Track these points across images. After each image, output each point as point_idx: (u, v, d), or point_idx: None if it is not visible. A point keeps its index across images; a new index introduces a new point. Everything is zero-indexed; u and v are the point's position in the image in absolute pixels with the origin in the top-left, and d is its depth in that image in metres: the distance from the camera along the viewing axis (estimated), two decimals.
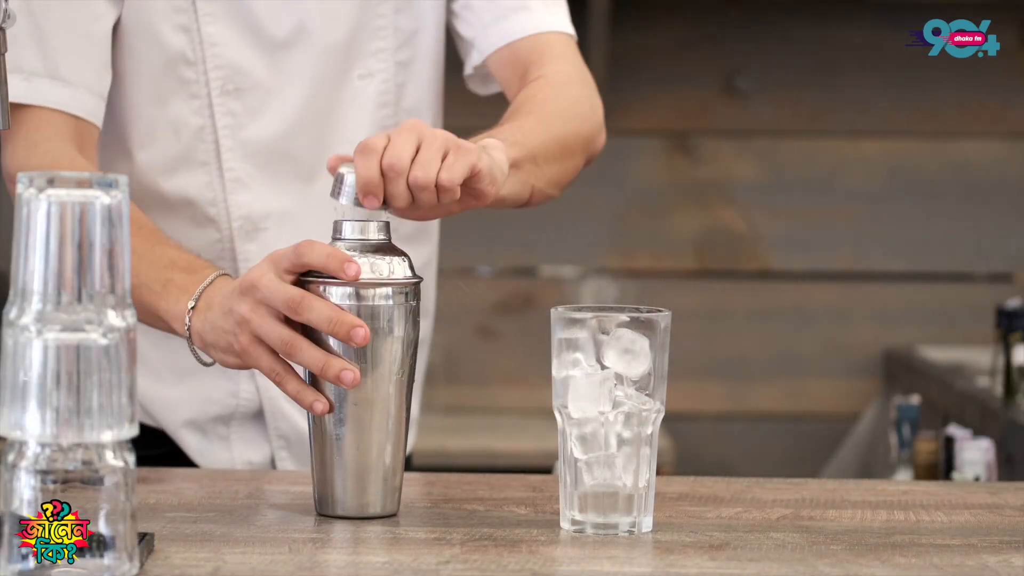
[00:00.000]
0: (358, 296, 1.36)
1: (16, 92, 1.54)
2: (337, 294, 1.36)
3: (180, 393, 1.73)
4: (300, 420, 1.73)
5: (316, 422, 1.38)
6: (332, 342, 1.36)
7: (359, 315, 1.35)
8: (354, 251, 1.37)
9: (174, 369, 1.72)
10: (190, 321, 1.45)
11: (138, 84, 1.68)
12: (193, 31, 1.66)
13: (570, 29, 1.77)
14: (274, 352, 1.38)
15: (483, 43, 1.74)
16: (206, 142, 1.69)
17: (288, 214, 1.71)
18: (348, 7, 1.70)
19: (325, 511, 1.38)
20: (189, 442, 1.74)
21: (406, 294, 1.38)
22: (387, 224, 1.40)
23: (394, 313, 1.37)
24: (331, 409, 1.36)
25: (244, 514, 1.39)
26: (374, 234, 1.38)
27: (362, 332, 1.34)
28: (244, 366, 1.42)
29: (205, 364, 1.48)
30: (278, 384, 1.39)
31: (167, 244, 1.55)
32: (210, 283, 1.46)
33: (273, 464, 1.75)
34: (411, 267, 1.39)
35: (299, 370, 1.39)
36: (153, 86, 1.68)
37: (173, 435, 1.74)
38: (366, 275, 1.36)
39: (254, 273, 1.38)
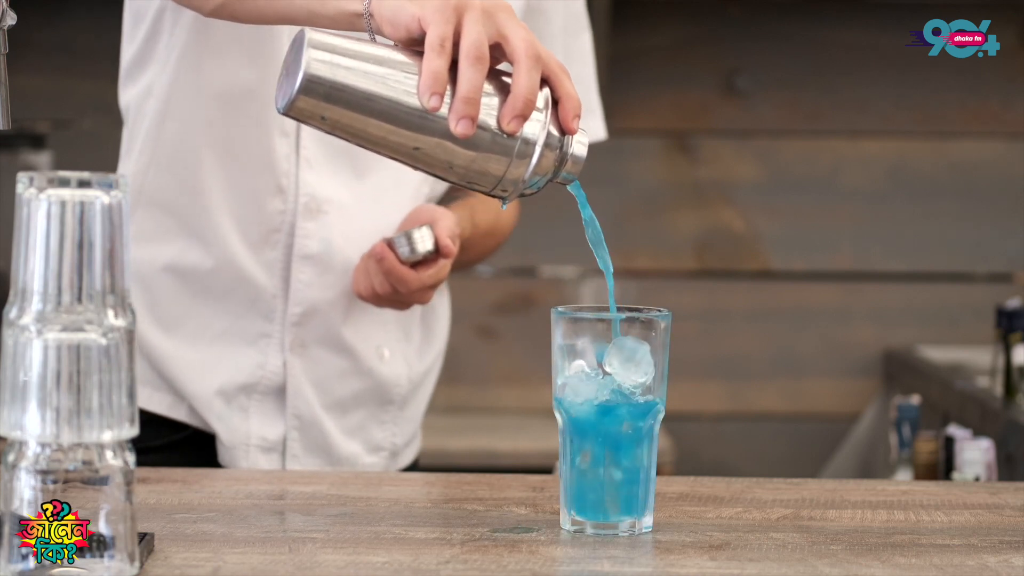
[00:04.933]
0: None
1: None
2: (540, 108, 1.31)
3: (211, 357, 1.79)
4: (317, 403, 1.81)
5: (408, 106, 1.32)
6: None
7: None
8: None
9: (206, 333, 1.80)
10: None
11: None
12: None
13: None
14: (450, 32, 1.31)
15: None
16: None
17: (345, 205, 1.79)
18: None
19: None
20: (216, 410, 1.79)
21: (560, 161, 1.33)
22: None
23: (541, 157, 1.32)
24: (435, 109, 1.30)
25: (244, 514, 1.39)
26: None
27: (465, 126, 1.29)
28: (405, 30, 1.33)
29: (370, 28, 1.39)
30: (433, 49, 1.30)
31: None
32: None
33: (284, 445, 1.81)
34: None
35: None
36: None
37: (201, 405, 1.79)
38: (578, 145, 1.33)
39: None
